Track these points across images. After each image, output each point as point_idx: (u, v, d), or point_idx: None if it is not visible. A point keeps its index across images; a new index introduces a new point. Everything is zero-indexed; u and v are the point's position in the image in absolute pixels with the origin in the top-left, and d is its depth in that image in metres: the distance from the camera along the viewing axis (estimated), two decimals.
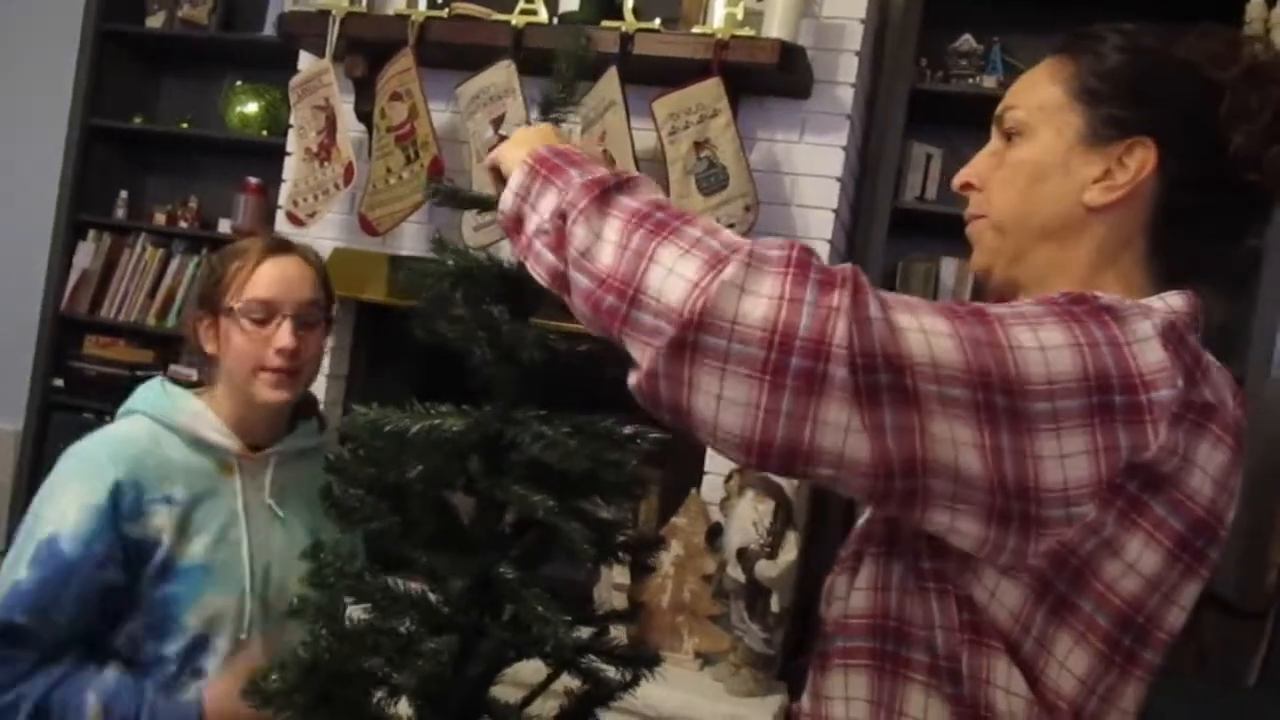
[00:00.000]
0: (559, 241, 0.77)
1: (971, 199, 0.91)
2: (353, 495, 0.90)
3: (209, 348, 1.34)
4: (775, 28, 2.50)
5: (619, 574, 2.48)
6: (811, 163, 2.67)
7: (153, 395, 1.32)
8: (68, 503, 1.22)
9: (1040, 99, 0.86)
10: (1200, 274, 0.86)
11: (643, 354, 0.69)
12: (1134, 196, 0.82)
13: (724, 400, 0.66)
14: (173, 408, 1.30)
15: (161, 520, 1.25)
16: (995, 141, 0.90)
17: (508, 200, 0.83)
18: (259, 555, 1.31)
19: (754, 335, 0.64)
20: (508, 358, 0.89)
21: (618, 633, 1.01)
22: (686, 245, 0.69)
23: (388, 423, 0.85)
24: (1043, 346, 0.69)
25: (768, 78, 2.55)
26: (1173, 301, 0.80)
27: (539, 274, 0.80)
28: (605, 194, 0.76)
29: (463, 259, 0.91)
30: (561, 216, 0.77)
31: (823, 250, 2.66)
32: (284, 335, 1.30)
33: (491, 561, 0.89)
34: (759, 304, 0.65)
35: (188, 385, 1.37)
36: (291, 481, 1.38)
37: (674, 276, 0.68)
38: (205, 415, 1.31)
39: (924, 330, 0.67)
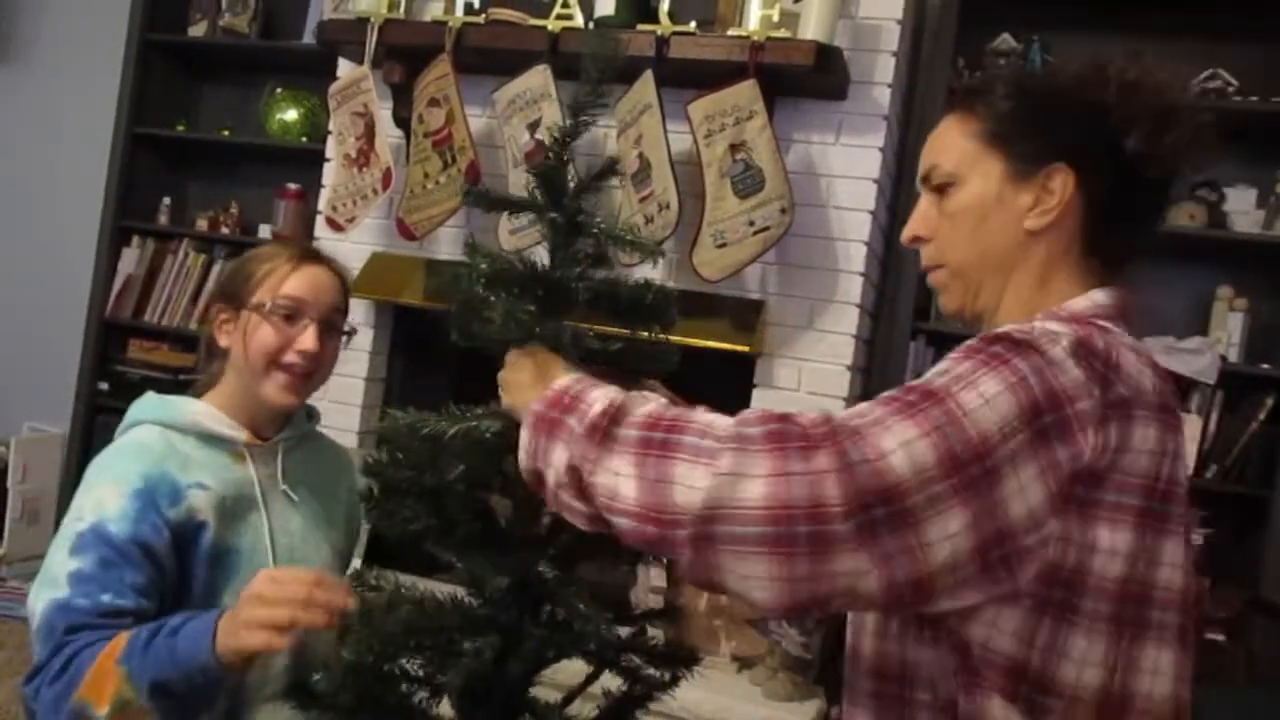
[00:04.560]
0: (581, 492, 0.84)
1: (923, 252, 1.03)
2: (392, 499, 0.90)
3: (224, 342, 1.37)
4: (811, 29, 2.49)
5: (656, 577, 2.48)
6: (848, 164, 2.65)
7: (151, 404, 1.35)
8: (104, 495, 1.23)
9: (959, 153, 0.98)
10: (1131, 257, 0.99)
11: (683, 555, 0.78)
12: (1065, 213, 0.95)
13: (747, 579, 0.74)
14: (175, 410, 1.34)
15: (200, 503, 1.27)
16: (927, 196, 1.02)
17: (523, 460, 0.89)
18: (281, 538, 1.35)
19: (758, 515, 0.73)
20: None
21: (655, 634, 1.01)
22: (690, 456, 0.77)
23: (424, 425, 0.86)
24: (986, 400, 0.78)
25: (804, 79, 2.54)
26: (1097, 298, 0.94)
27: (577, 522, 0.86)
28: (605, 436, 0.82)
29: (495, 262, 0.91)
30: (576, 471, 0.83)
31: (859, 252, 2.64)
32: (309, 337, 1.33)
33: (530, 561, 0.89)
34: (755, 485, 0.73)
35: (181, 393, 1.39)
36: (296, 466, 1.42)
37: (690, 490, 0.76)
38: (209, 411, 1.35)
39: (902, 445, 0.75)
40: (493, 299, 0.91)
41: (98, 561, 1.19)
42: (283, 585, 1.03)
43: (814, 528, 0.72)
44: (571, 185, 0.94)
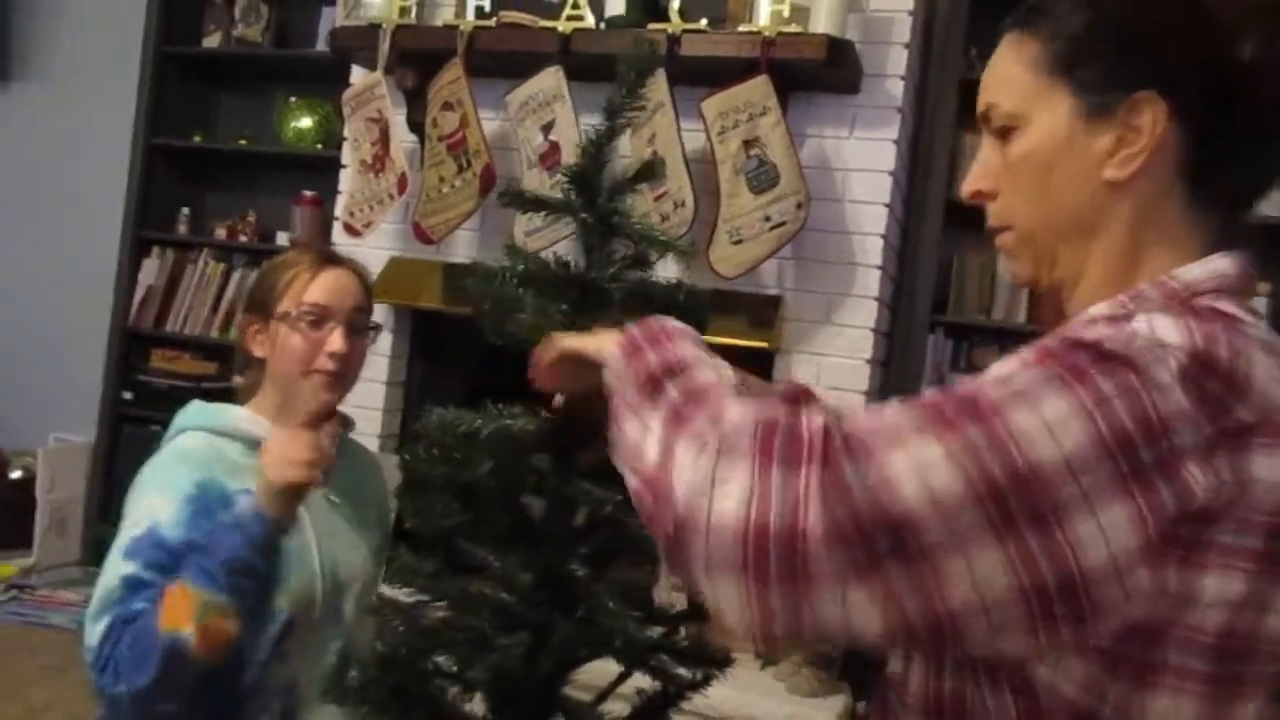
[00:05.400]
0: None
1: (989, 209, 0.85)
2: (426, 495, 0.92)
3: (258, 352, 1.41)
4: (822, 23, 2.49)
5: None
6: (862, 157, 2.66)
7: (197, 412, 1.40)
8: (156, 501, 1.27)
9: (1020, 87, 0.80)
10: (1248, 203, 0.79)
11: (665, 552, 0.68)
12: (1156, 155, 0.75)
13: (719, 601, 0.64)
14: (220, 417, 1.38)
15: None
16: (989, 142, 0.84)
17: (611, 380, 0.81)
18: (324, 540, 1.39)
19: (728, 535, 0.62)
20: None
21: (685, 635, 1.01)
22: (691, 437, 0.68)
23: (461, 423, 0.87)
24: (1048, 425, 0.63)
25: (816, 73, 2.54)
26: (1218, 266, 0.75)
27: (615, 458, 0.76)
28: (656, 388, 0.74)
29: (532, 263, 0.93)
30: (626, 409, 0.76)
31: (876, 245, 2.64)
32: (336, 340, 1.37)
33: (561, 559, 0.90)
34: (729, 498, 0.63)
35: (224, 400, 1.44)
36: (333, 471, 1.43)
37: (679, 478, 0.66)
38: (251, 417, 1.39)
39: (916, 468, 0.62)
40: (528, 299, 0.92)
41: (151, 565, 1.21)
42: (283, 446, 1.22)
43: (788, 552, 0.61)
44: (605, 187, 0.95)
